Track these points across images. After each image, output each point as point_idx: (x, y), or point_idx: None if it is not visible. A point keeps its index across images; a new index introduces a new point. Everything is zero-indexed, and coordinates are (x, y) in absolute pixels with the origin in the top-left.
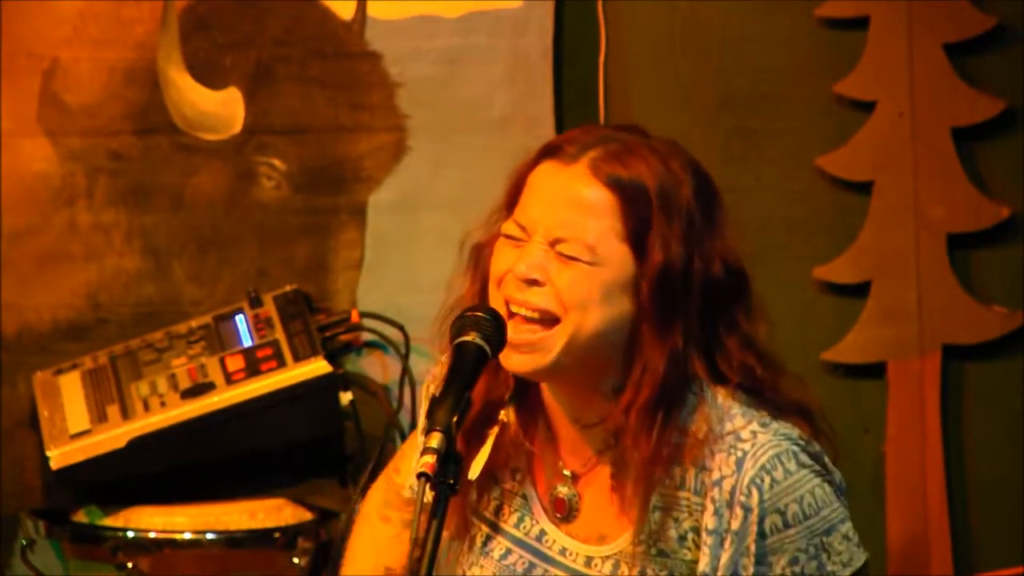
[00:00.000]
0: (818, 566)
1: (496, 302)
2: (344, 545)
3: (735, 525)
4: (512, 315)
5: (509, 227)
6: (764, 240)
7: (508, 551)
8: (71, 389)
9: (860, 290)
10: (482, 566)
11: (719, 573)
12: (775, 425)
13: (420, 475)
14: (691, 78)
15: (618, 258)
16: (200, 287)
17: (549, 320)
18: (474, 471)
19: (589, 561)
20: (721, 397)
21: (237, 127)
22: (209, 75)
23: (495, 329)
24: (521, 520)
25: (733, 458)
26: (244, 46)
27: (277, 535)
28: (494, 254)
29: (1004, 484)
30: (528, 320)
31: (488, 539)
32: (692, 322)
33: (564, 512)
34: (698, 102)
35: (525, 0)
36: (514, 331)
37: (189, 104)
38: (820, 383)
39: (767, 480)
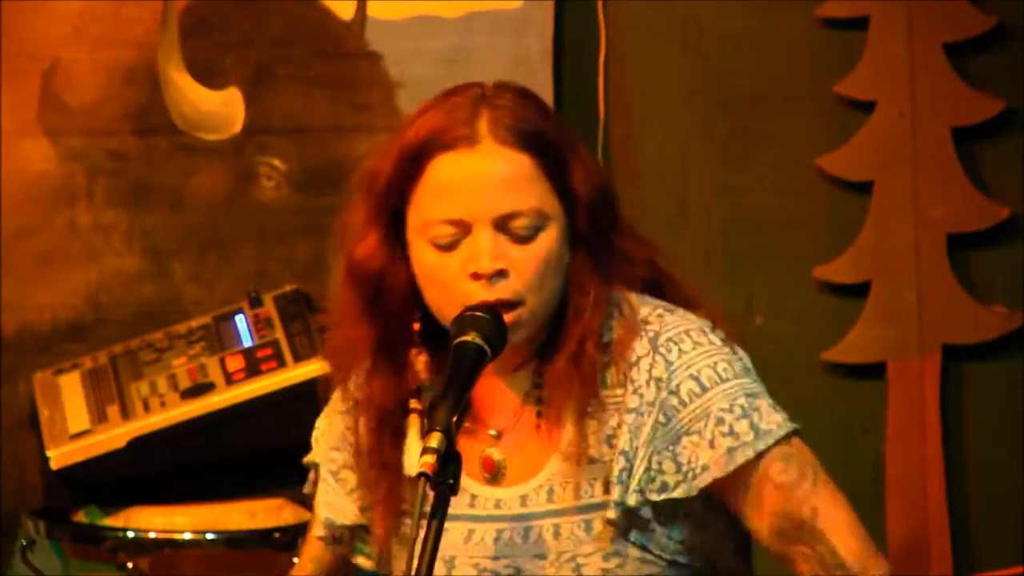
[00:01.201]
0: (751, 425)
1: (450, 308)
2: None
3: (650, 396)
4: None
5: (437, 230)
6: (764, 240)
7: (444, 529)
8: (71, 389)
9: (860, 290)
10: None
11: (640, 448)
12: (680, 311)
13: (420, 475)
14: (691, 78)
15: (556, 212)
16: (200, 287)
17: (516, 304)
18: (409, 467)
19: (524, 499)
20: (631, 300)
21: (237, 127)
22: (209, 75)
23: (495, 329)
24: None
25: (646, 339)
26: (244, 46)
27: (277, 535)
28: (429, 266)
29: (1004, 484)
30: (505, 308)
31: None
32: (608, 240)
33: (493, 471)
34: (698, 102)
35: (525, 0)
36: None
37: (189, 104)
38: (820, 383)
39: (675, 349)
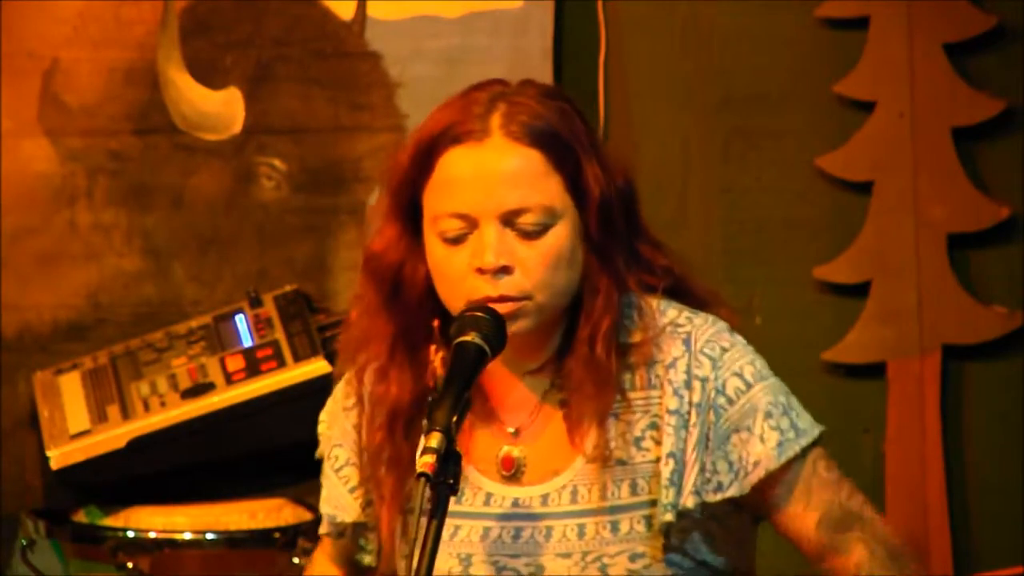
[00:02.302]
0: (791, 423)
1: (456, 302)
2: None
3: (696, 398)
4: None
5: (445, 224)
6: (764, 240)
7: (456, 528)
8: (71, 389)
9: (860, 290)
10: None
11: (689, 451)
12: (703, 313)
13: (420, 475)
14: (691, 78)
15: (567, 208)
16: (200, 287)
17: (522, 300)
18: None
19: (545, 499)
20: (650, 303)
21: (237, 127)
22: (209, 75)
23: (495, 329)
24: (461, 494)
25: (679, 339)
26: (244, 46)
27: (277, 535)
28: (438, 259)
29: (1004, 484)
30: (504, 299)
31: None
32: (623, 242)
33: (512, 469)
34: (698, 102)
35: (525, 0)
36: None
37: (189, 104)
38: (820, 383)
39: (716, 349)
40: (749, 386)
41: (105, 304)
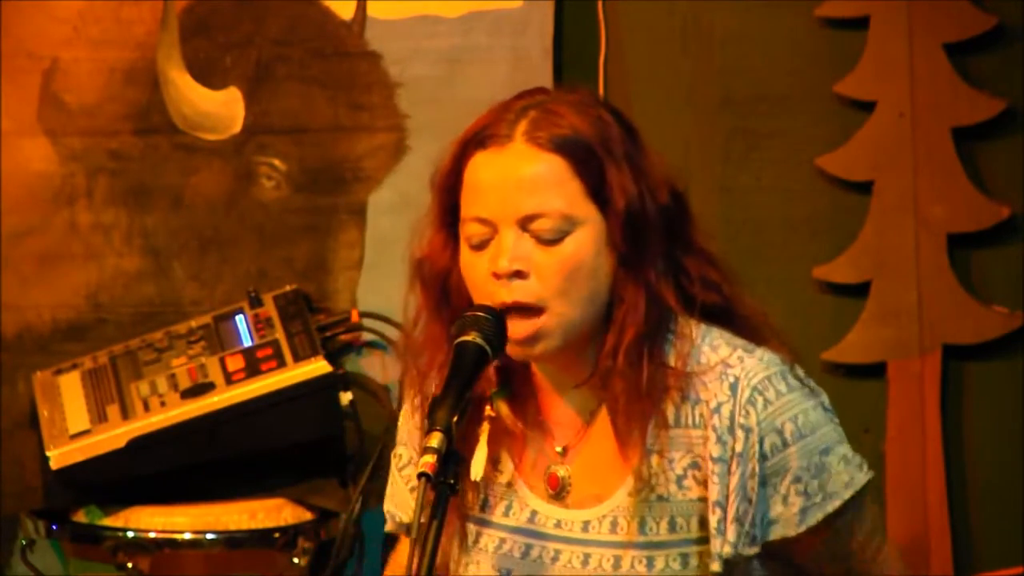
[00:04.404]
0: (819, 486)
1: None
2: (343, 545)
3: (738, 447)
4: (508, 313)
5: (470, 229)
6: (764, 240)
7: (501, 541)
8: (71, 389)
9: (860, 290)
10: (478, 562)
11: (731, 498)
12: (759, 351)
13: (420, 475)
14: (691, 78)
15: (590, 216)
16: (200, 287)
17: (537, 309)
18: (476, 471)
19: (586, 526)
20: (694, 327)
21: (237, 127)
22: (209, 75)
23: (495, 329)
24: (509, 508)
25: (727, 384)
26: (244, 46)
27: (277, 535)
28: (464, 264)
29: (1004, 484)
30: (525, 314)
31: (479, 536)
32: (657, 254)
33: (557, 488)
34: (698, 102)
35: (525, 0)
36: (514, 329)
37: (189, 104)
38: (820, 383)
39: (760, 400)
40: (786, 445)
41: (105, 304)
